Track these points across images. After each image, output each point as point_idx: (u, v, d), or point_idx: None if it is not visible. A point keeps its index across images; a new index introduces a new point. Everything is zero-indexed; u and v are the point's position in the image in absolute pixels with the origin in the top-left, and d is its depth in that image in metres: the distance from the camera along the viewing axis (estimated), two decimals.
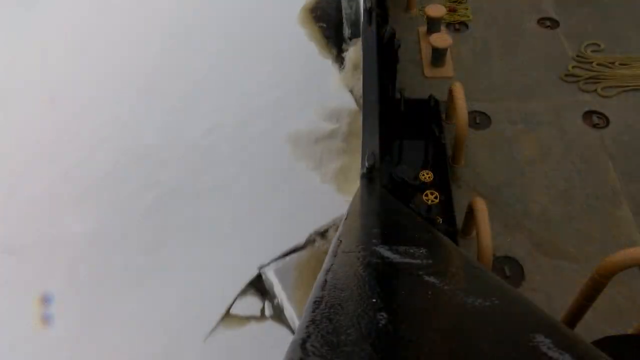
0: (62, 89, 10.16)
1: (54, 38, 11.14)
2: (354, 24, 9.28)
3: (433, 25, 6.36)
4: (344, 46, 9.72)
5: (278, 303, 6.78)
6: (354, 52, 9.22)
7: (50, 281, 7.46)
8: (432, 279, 1.50)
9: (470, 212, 3.95)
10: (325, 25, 10.26)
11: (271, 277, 6.76)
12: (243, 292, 6.80)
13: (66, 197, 8.32)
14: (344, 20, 9.69)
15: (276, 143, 8.18)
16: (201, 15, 11.05)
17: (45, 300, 7.20)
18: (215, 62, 10.04)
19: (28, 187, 8.48)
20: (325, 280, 1.47)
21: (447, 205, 4.62)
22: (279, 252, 6.94)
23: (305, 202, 7.56)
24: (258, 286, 6.86)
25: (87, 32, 11.18)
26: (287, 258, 6.94)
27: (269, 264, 6.87)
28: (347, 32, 9.65)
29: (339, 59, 9.49)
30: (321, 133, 8.01)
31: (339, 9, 10.19)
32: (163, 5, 11.38)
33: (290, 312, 6.59)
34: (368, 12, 4.56)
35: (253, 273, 6.90)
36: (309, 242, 7.04)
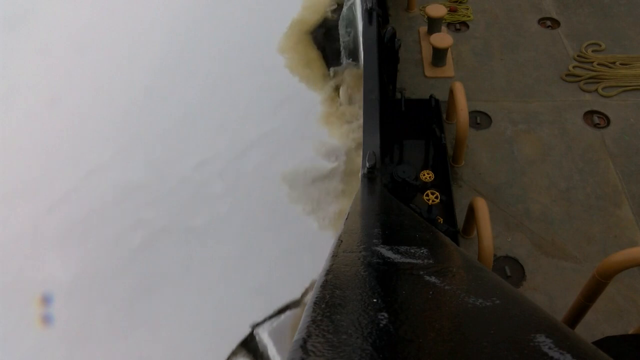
0: (43, 122, 9.49)
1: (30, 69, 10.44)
2: (352, 52, 8.70)
3: (434, 25, 6.37)
4: (336, 71, 9.02)
5: None
6: (348, 76, 8.66)
7: (27, 334, 6.84)
8: (433, 279, 1.50)
9: (471, 212, 3.95)
10: (324, 50, 9.55)
11: (265, 339, 6.21)
12: (234, 354, 6.23)
13: (48, 236, 7.75)
14: (342, 48, 9.05)
15: (271, 180, 7.57)
16: (193, 41, 10.41)
17: (46, 300, 7.10)
18: (208, 90, 9.39)
19: (8, 223, 7.96)
20: (326, 280, 1.47)
21: (447, 205, 4.62)
22: (273, 305, 6.42)
23: (302, 249, 6.92)
24: (250, 347, 6.27)
25: (71, 60, 10.36)
26: (283, 316, 6.34)
27: (262, 322, 6.31)
28: (344, 61, 8.98)
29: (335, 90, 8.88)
30: (319, 172, 7.40)
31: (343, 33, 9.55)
32: (153, 32, 10.72)
33: None
34: (369, 12, 4.55)
35: (245, 330, 6.33)
36: (306, 295, 6.43)
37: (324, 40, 9.58)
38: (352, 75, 8.48)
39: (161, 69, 9.94)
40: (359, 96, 7.78)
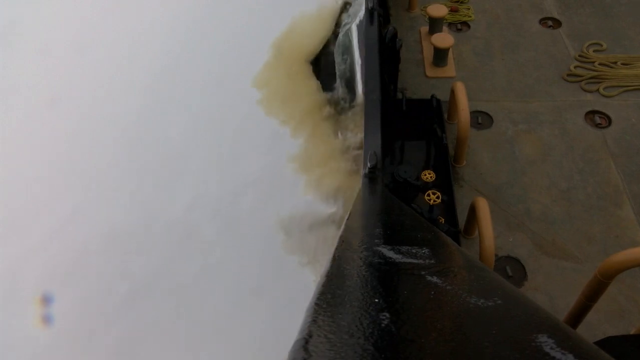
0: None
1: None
2: (349, 82, 7.85)
3: (435, 25, 6.36)
4: (337, 108, 8.06)
5: None
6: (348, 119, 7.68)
7: None
8: (434, 279, 1.50)
9: (473, 212, 3.95)
10: (325, 81, 8.48)
11: None
12: None
13: (24, 288, 7.11)
14: (337, 78, 8.14)
15: (266, 225, 6.83)
16: (184, 72, 9.40)
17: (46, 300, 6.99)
18: (200, 123, 8.47)
19: None
20: (328, 280, 1.47)
21: (449, 205, 4.61)
22: None
23: (297, 305, 5.98)
24: None
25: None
26: None
27: None
28: (340, 91, 8.03)
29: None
30: (316, 218, 6.73)
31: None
32: (141, 60, 9.83)
33: None
34: (370, 11, 4.56)
35: None
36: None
37: (321, 69, 8.74)
38: (352, 116, 7.77)
39: (151, 95, 9.13)
40: (359, 138, 6.89)
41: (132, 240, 7.21)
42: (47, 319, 6.74)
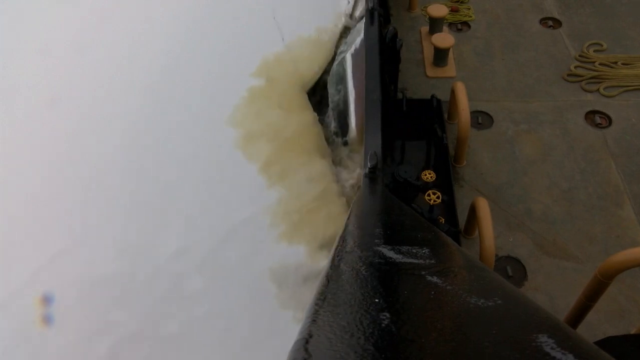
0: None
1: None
2: (342, 116, 7.17)
3: (435, 25, 6.36)
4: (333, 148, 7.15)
5: None
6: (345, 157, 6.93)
7: None
8: (434, 279, 1.50)
9: (473, 212, 3.95)
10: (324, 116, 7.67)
11: None
12: None
13: None
14: (330, 110, 7.43)
15: (257, 276, 6.29)
16: (172, 112, 8.39)
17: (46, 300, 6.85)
18: (187, 164, 7.61)
19: None
20: (328, 280, 1.47)
21: (449, 205, 4.61)
22: None
23: None
24: None
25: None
26: None
27: None
28: (333, 125, 7.28)
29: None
30: (311, 269, 6.22)
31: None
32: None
33: None
34: (370, 12, 4.55)
35: None
36: None
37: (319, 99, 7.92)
38: (349, 153, 7.05)
39: (135, 132, 8.21)
40: (357, 174, 6.28)
41: (116, 289, 6.59)
42: None
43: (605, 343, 2.26)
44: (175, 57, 9.00)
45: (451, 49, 5.96)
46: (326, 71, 7.78)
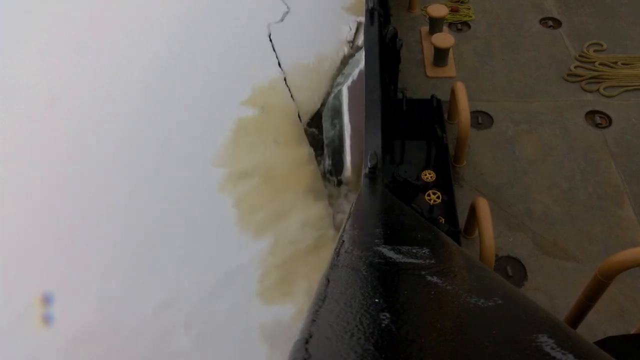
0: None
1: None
2: (336, 153, 6.70)
3: (435, 25, 6.36)
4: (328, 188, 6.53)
5: None
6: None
7: None
8: (434, 279, 1.50)
9: (473, 212, 3.95)
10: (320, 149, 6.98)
11: None
12: None
13: None
14: (325, 147, 6.88)
15: (248, 334, 5.79)
16: (160, 153, 7.64)
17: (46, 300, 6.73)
18: (172, 208, 6.95)
19: None
20: (328, 280, 1.47)
21: (449, 205, 4.61)
22: None
23: None
24: None
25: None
26: None
27: None
28: (327, 162, 6.74)
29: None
30: None
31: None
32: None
33: None
34: (370, 12, 4.55)
35: None
36: None
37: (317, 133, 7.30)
38: (346, 192, 6.56)
39: (119, 173, 7.56)
40: None
41: (96, 347, 6.12)
42: None
43: (605, 343, 2.26)
44: (160, 89, 8.28)
45: (451, 49, 5.96)
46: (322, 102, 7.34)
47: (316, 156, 6.77)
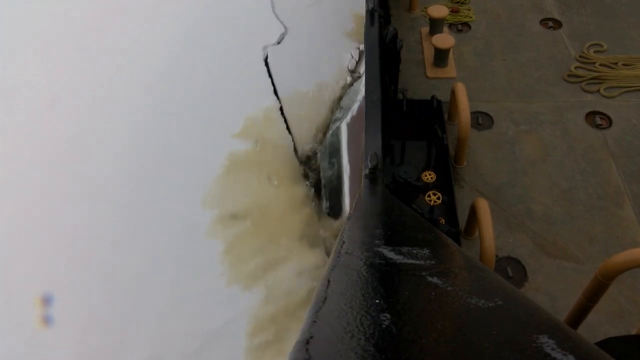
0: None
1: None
2: (335, 193, 6.37)
3: (435, 25, 6.36)
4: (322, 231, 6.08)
5: None
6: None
7: None
8: (435, 280, 1.50)
9: (473, 213, 3.95)
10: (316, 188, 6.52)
11: None
12: None
13: None
14: (322, 187, 6.51)
15: None
16: (146, 191, 7.08)
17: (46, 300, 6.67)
18: (159, 254, 6.37)
19: None
20: (329, 281, 1.47)
21: (449, 205, 4.61)
22: None
23: None
24: None
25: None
26: None
27: None
28: (325, 204, 6.41)
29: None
30: None
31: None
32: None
33: None
34: (370, 12, 4.55)
35: None
36: None
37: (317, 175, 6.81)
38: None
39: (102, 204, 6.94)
40: None
41: None
42: None
43: (606, 344, 2.26)
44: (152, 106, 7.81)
45: (451, 50, 5.96)
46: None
47: (312, 196, 6.27)
